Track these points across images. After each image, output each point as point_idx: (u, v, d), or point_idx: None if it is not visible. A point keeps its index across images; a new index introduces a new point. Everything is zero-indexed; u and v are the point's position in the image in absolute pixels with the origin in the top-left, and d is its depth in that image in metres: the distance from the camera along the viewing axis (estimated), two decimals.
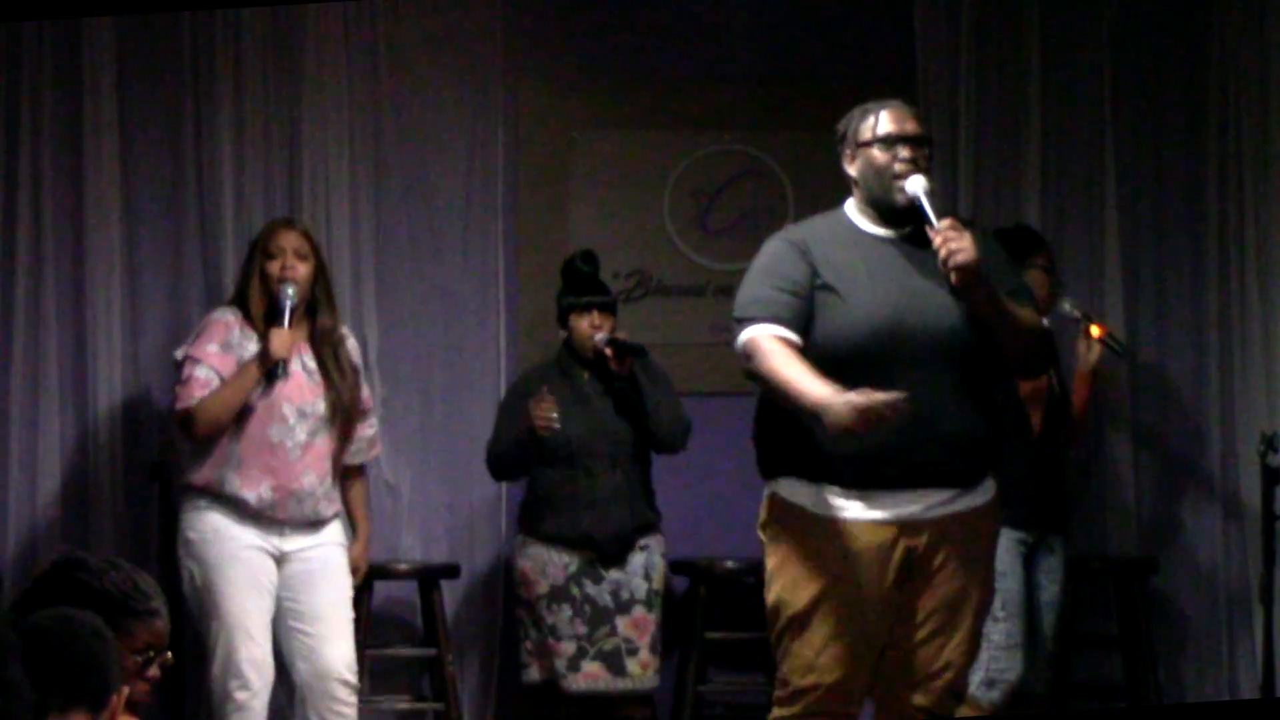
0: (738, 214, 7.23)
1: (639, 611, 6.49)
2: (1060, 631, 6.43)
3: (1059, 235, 7.20)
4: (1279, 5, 7.07)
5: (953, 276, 4.50)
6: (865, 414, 4.28)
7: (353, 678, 5.89)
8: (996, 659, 5.88)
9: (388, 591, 6.84)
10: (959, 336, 4.54)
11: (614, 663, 6.44)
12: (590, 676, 6.43)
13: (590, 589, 6.46)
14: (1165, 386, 7.21)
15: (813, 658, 4.58)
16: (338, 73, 6.93)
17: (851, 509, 4.55)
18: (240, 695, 5.77)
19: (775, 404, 4.59)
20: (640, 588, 6.50)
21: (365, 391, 6.11)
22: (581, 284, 6.62)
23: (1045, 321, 4.69)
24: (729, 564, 6.84)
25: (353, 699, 5.89)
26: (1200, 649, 7.13)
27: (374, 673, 6.82)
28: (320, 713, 5.86)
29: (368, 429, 6.12)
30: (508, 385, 6.97)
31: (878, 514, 4.54)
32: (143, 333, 6.77)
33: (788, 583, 4.60)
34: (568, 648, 6.43)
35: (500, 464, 6.57)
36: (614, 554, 6.47)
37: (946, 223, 4.53)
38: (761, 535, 4.71)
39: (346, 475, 6.09)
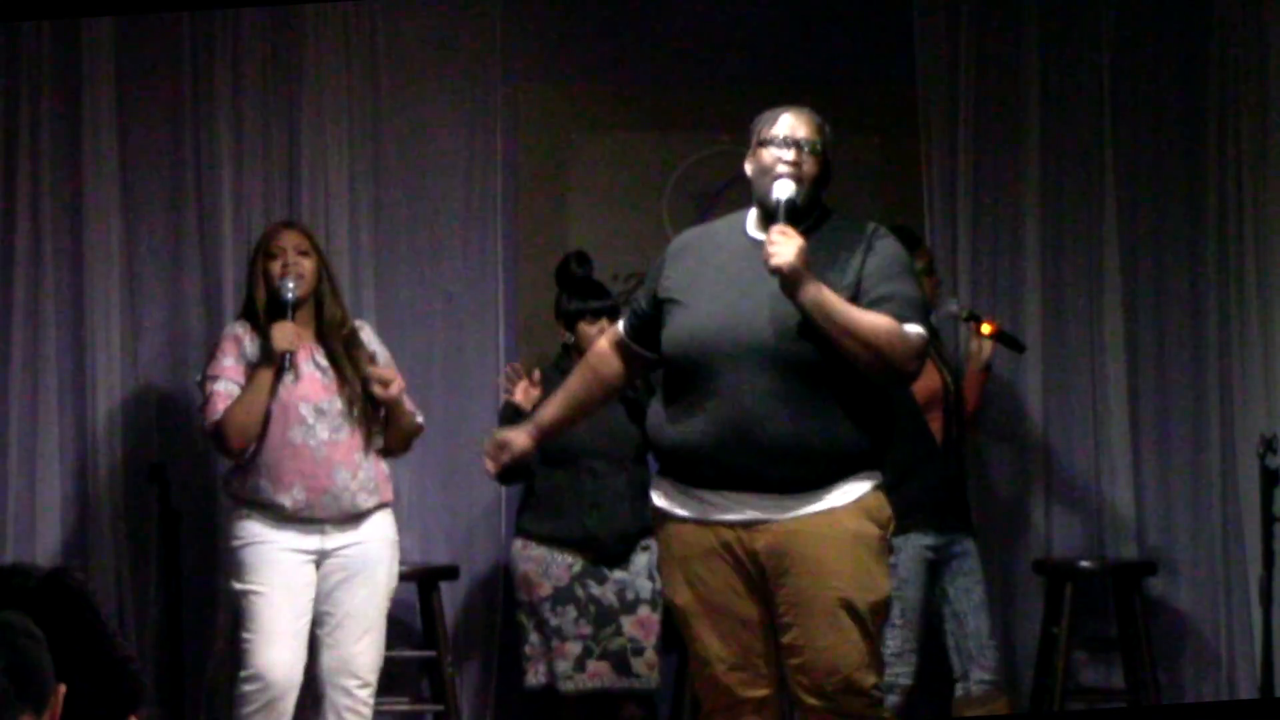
0: None
1: (644, 611, 6.49)
2: (994, 627, 6.55)
3: (1059, 236, 7.21)
4: (1278, 5, 7.08)
5: (777, 280, 4.54)
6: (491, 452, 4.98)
7: (373, 679, 5.90)
8: (889, 664, 5.89)
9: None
10: (789, 342, 4.54)
11: (620, 662, 6.45)
12: (596, 675, 6.43)
13: (594, 589, 6.46)
14: (1164, 387, 7.21)
15: (704, 650, 4.70)
16: (337, 73, 6.93)
17: (687, 509, 4.67)
18: (263, 696, 5.79)
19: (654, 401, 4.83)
20: (645, 587, 6.50)
21: (394, 372, 6.04)
22: (585, 289, 6.62)
23: (914, 329, 4.60)
24: None
25: (370, 700, 5.90)
26: (1199, 650, 7.14)
27: None
28: (338, 711, 5.87)
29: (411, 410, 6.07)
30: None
31: (714, 515, 4.63)
32: (142, 333, 6.77)
33: (665, 580, 4.84)
34: (573, 648, 6.43)
35: (506, 469, 6.54)
36: (617, 554, 6.48)
37: (777, 228, 4.55)
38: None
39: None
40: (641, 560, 6.52)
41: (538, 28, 7.22)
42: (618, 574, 6.49)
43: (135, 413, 6.73)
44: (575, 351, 6.57)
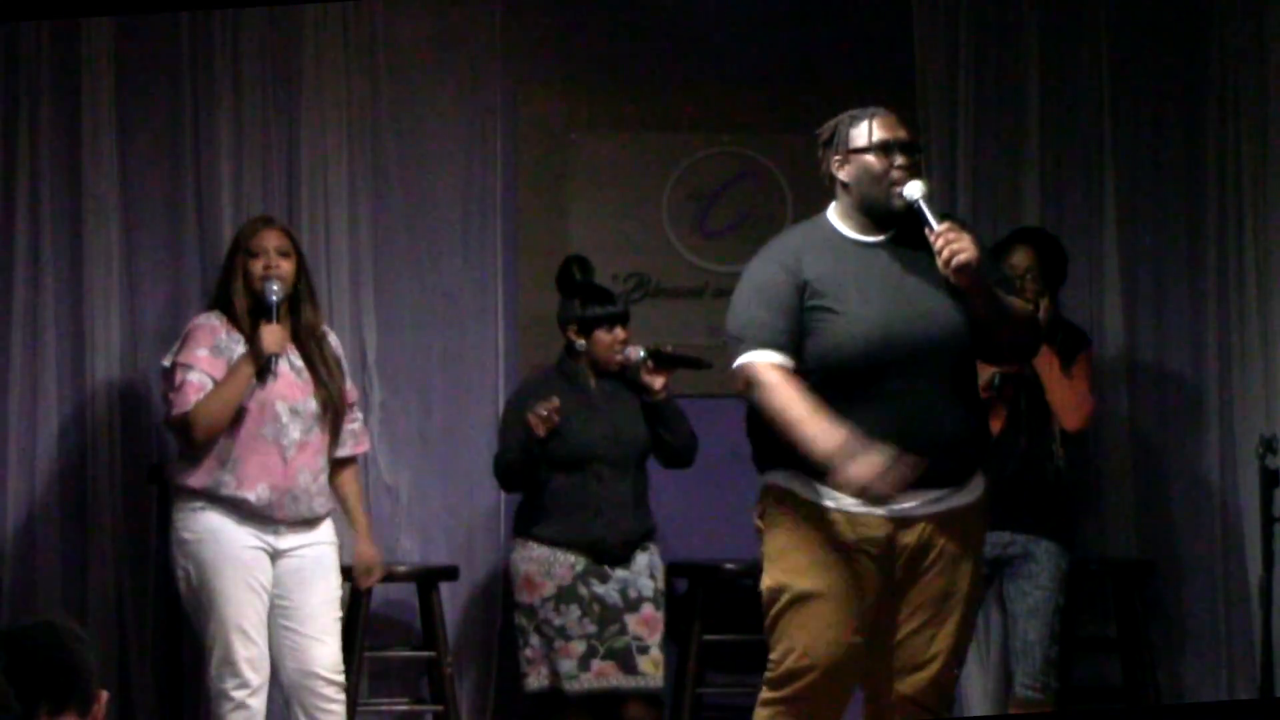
0: (736, 216, 7.24)
1: (648, 609, 6.49)
2: (1055, 636, 6.47)
3: (1057, 235, 7.20)
4: (1278, 5, 7.07)
5: (954, 277, 4.57)
6: (883, 477, 4.45)
7: (339, 677, 5.89)
8: None
9: (386, 594, 6.84)
10: (950, 338, 4.61)
11: (625, 661, 6.44)
12: (601, 674, 6.43)
13: (598, 588, 6.46)
14: (1164, 388, 7.21)
15: (810, 641, 4.63)
16: (336, 74, 6.93)
17: (845, 500, 4.60)
18: (238, 694, 5.78)
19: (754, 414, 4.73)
20: (647, 586, 6.51)
21: (348, 384, 6.10)
22: (595, 295, 6.61)
23: (1033, 309, 4.78)
24: (728, 566, 6.84)
25: (340, 697, 5.89)
26: (1199, 651, 7.13)
27: (372, 675, 6.83)
28: (308, 711, 5.86)
29: (351, 423, 6.11)
30: (507, 387, 6.97)
31: (871, 508, 4.59)
32: (141, 334, 6.77)
33: (789, 566, 4.66)
34: (577, 647, 6.43)
35: (509, 474, 6.55)
36: (619, 556, 6.48)
37: (946, 225, 4.58)
38: (759, 523, 4.78)
39: (336, 470, 6.07)
40: (643, 560, 6.52)
41: (538, 28, 7.22)
42: (620, 572, 6.48)
43: (134, 414, 6.72)
44: (587, 358, 6.56)
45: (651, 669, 6.49)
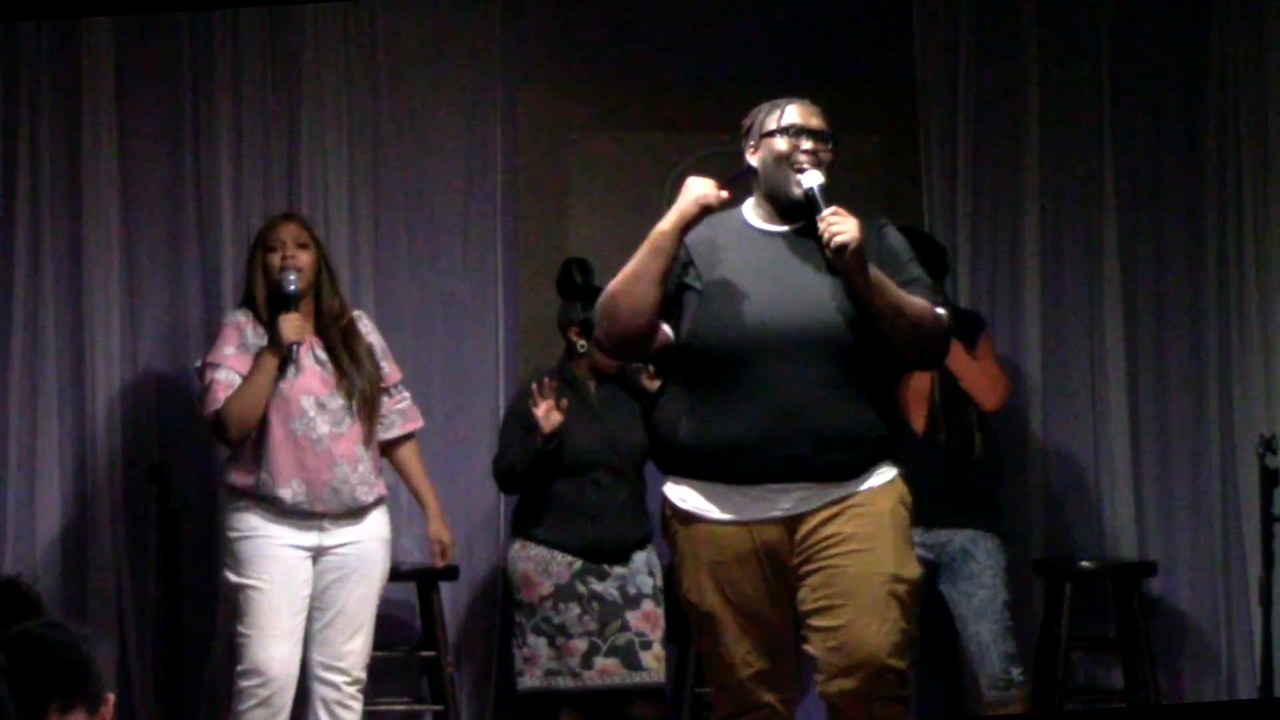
0: None
1: (648, 605, 6.50)
2: (1009, 631, 6.50)
3: (1058, 237, 7.21)
4: (1278, 5, 7.08)
5: (834, 259, 4.51)
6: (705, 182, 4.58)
7: (363, 675, 5.94)
8: None
9: (387, 593, 6.82)
10: (834, 330, 4.53)
11: (628, 657, 6.45)
12: (605, 672, 6.43)
13: (596, 585, 6.46)
14: (1163, 388, 7.21)
15: (729, 655, 4.61)
16: (336, 74, 6.93)
17: (723, 511, 4.57)
18: (261, 692, 5.82)
19: (651, 402, 4.73)
20: (646, 583, 6.51)
21: (387, 367, 6.10)
22: (594, 297, 6.61)
23: (942, 310, 4.66)
24: None
25: (359, 695, 5.95)
26: (1199, 650, 7.14)
27: (373, 674, 6.80)
28: (329, 706, 5.89)
29: (399, 403, 6.12)
30: (506, 388, 6.97)
31: (751, 515, 4.55)
32: (141, 333, 6.78)
33: (687, 584, 4.66)
34: (579, 645, 6.43)
35: (510, 478, 6.54)
36: (616, 559, 6.48)
37: (831, 209, 4.54)
38: (663, 537, 4.78)
39: (392, 450, 6.12)
40: (640, 557, 6.52)
41: (537, 28, 7.22)
42: (618, 570, 6.49)
43: (134, 411, 6.73)
44: (588, 361, 6.56)
45: (654, 664, 6.50)
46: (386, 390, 6.08)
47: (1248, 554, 6.93)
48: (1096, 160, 7.21)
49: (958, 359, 6.52)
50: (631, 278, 4.69)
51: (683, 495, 4.65)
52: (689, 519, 4.63)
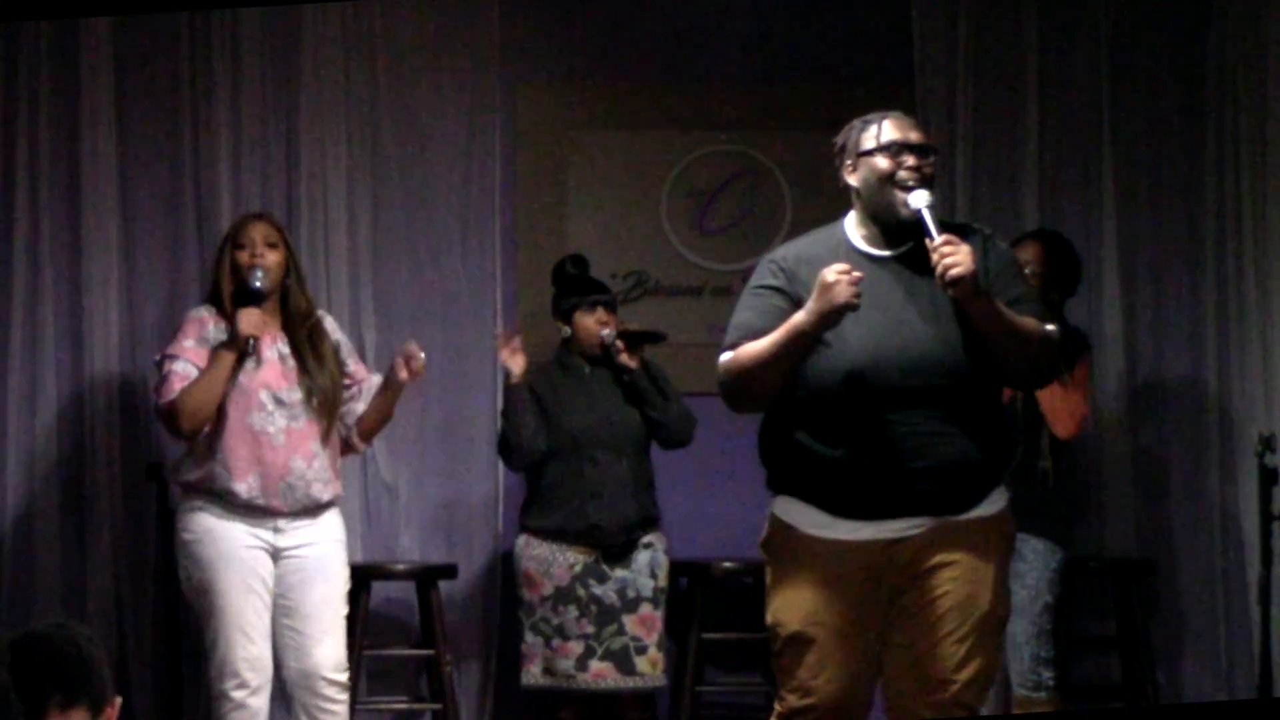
0: (735, 214, 7.24)
1: (646, 609, 6.50)
2: (1047, 634, 6.48)
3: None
4: (1277, 5, 7.07)
5: (948, 290, 4.42)
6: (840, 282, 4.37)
7: (341, 676, 5.88)
8: None
9: (385, 592, 6.84)
10: (947, 363, 4.46)
11: (623, 661, 6.45)
12: (599, 675, 6.44)
13: (596, 588, 6.46)
14: (1163, 387, 7.21)
15: (808, 679, 4.55)
16: (335, 73, 6.93)
17: (840, 530, 4.52)
18: (238, 694, 5.78)
19: (776, 419, 4.60)
20: (647, 585, 6.51)
21: (353, 366, 6.09)
22: (581, 285, 6.66)
23: (1052, 328, 4.60)
24: (727, 564, 6.84)
25: (342, 697, 5.89)
26: (1198, 649, 7.14)
27: (371, 673, 6.83)
28: (309, 711, 5.86)
29: (368, 384, 6.08)
30: (505, 385, 6.97)
31: (866, 535, 4.50)
32: (140, 332, 6.78)
33: (782, 603, 4.59)
34: (575, 647, 6.43)
35: (513, 447, 6.53)
36: (619, 547, 6.48)
37: (943, 238, 4.42)
38: (762, 553, 4.70)
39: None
40: (643, 558, 6.52)
41: (537, 26, 7.22)
42: (619, 572, 6.49)
43: (133, 412, 6.73)
44: (573, 344, 6.60)
45: (649, 669, 6.49)
46: (350, 390, 6.04)
47: (1247, 552, 6.93)
48: (1095, 158, 7.21)
49: None
50: (770, 364, 4.50)
51: (788, 510, 4.59)
52: (798, 536, 4.57)
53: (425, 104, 7.06)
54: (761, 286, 4.60)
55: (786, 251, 4.67)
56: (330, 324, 6.09)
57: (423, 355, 5.96)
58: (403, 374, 5.96)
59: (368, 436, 6.12)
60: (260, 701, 5.81)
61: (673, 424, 6.58)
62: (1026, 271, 6.35)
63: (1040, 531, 6.44)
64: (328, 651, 5.87)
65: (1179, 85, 7.22)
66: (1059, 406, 6.43)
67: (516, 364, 6.55)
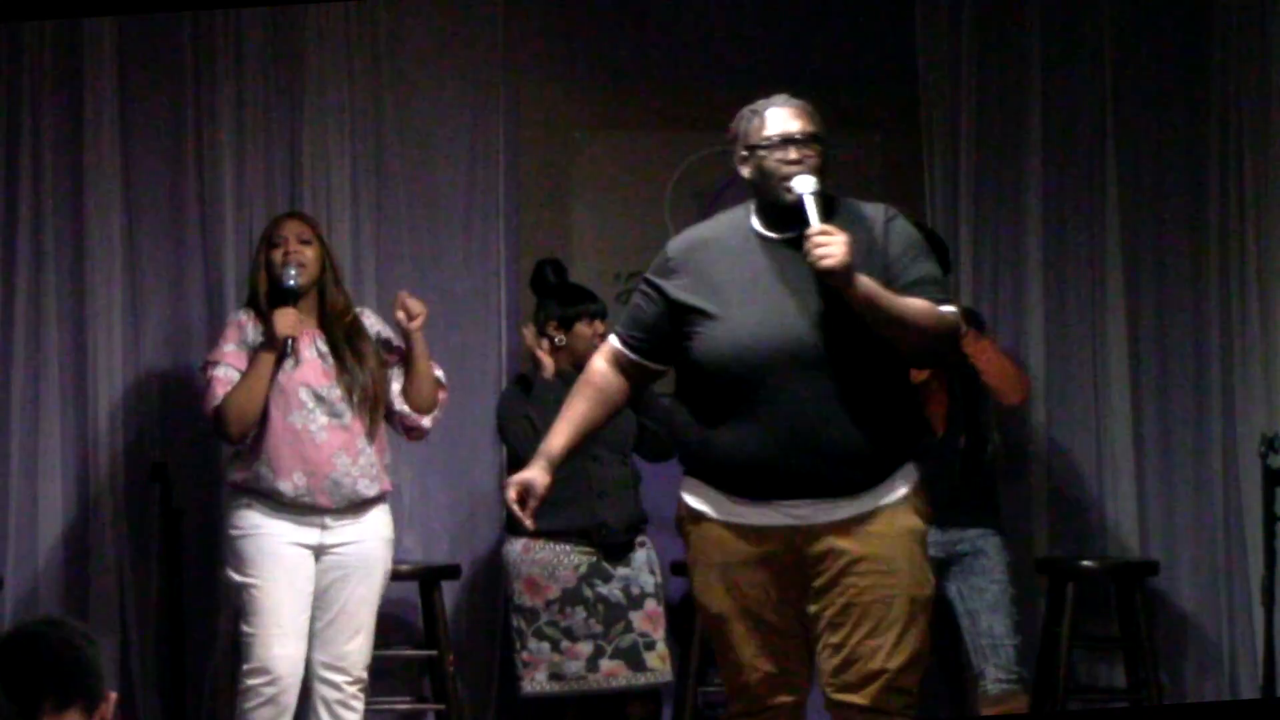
0: None
1: (651, 604, 6.50)
2: (1018, 627, 6.53)
3: (1060, 236, 7.21)
4: (1279, 4, 7.07)
5: (825, 279, 4.43)
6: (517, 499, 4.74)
7: (364, 675, 5.94)
8: None
9: (388, 592, 6.81)
10: (833, 344, 4.46)
11: (633, 659, 6.45)
12: (611, 674, 6.44)
13: (601, 588, 6.46)
14: (1166, 387, 7.21)
15: (738, 656, 4.60)
16: (338, 73, 6.93)
17: (740, 513, 4.55)
18: (268, 690, 5.83)
19: (679, 401, 4.68)
20: (648, 581, 6.51)
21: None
22: (572, 294, 6.63)
23: (949, 309, 4.57)
24: None
25: (360, 695, 5.95)
26: (1201, 650, 7.14)
27: (375, 673, 6.80)
28: (330, 706, 5.89)
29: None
30: (508, 386, 6.96)
31: (761, 520, 4.52)
32: (143, 332, 6.78)
33: (698, 584, 4.66)
34: (584, 648, 6.43)
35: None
36: (619, 546, 6.48)
37: (819, 228, 4.42)
38: (679, 534, 4.76)
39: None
40: (641, 556, 6.53)
41: (540, 26, 7.22)
42: (622, 570, 6.49)
43: (137, 411, 6.73)
44: (568, 353, 6.58)
45: (659, 664, 6.50)
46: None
47: (1250, 553, 6.93)
48: (1099, 160, 7.21)
49: (986, 353, 6.53)
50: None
51: (696, 495, 4.63)
52: (700, 519, 4.62)
53: (429, 105, 7.06)
54: (652, 276, 4.68)
55: (684, 238, 4.73)
56: (371, 318, 6.10)
57: (416, 301, 5.98)
58: (410, 323, 5.95)
59: (424, 408, 6.08)
60: (289, 700, 5.85)
61: (667, 438, 6.56)
62: None
63: (991, 525, 6.58)
64: (356, 649, 5.92)
65: (1182, 86, 7.22)
66: (1006, 373, 6.53)
67: (549, 359, 6.52)
